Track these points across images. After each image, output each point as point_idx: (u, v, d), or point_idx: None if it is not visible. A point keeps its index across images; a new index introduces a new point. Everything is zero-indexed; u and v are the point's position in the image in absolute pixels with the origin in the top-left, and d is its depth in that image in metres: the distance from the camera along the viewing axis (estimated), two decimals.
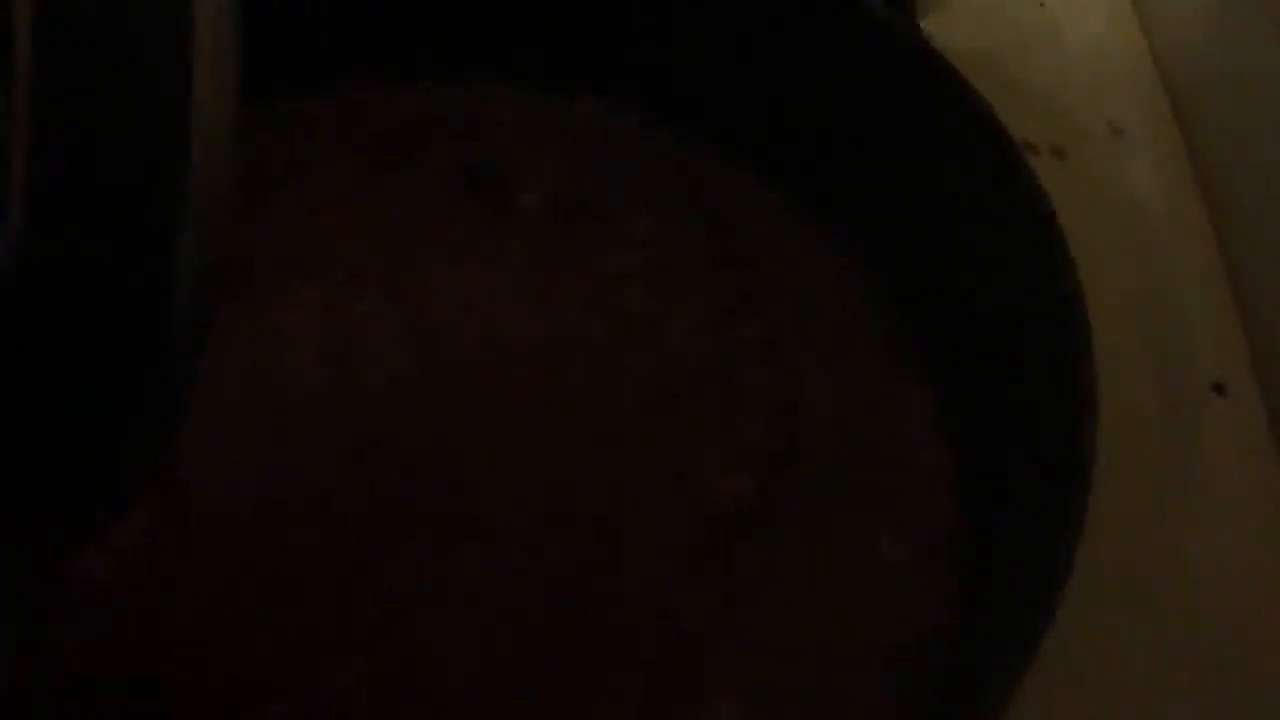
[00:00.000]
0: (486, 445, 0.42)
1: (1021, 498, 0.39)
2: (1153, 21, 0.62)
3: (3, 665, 0.38)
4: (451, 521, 0.41)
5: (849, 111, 0.46)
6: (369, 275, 0.46)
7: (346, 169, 0.48)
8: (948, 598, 0.40)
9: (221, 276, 0.25)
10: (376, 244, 0.46)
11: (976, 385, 0.43)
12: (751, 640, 0.39)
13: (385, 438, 0.42)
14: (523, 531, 0.41)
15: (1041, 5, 0.61)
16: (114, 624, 0.39)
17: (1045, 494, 0.36)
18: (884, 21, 0.45)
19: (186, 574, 0.40)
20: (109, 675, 0.38)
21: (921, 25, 0.52)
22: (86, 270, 0.24)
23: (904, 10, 0.55)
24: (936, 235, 0.44)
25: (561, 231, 0.47)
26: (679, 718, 0.38)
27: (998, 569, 0.39)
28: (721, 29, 0.48)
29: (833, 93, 0.46)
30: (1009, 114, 0.43)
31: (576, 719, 0.38)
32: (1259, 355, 0.52)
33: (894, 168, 0.45)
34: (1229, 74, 0.57)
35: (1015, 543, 0.38)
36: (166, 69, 0.24)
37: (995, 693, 0.32)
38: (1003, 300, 0.42)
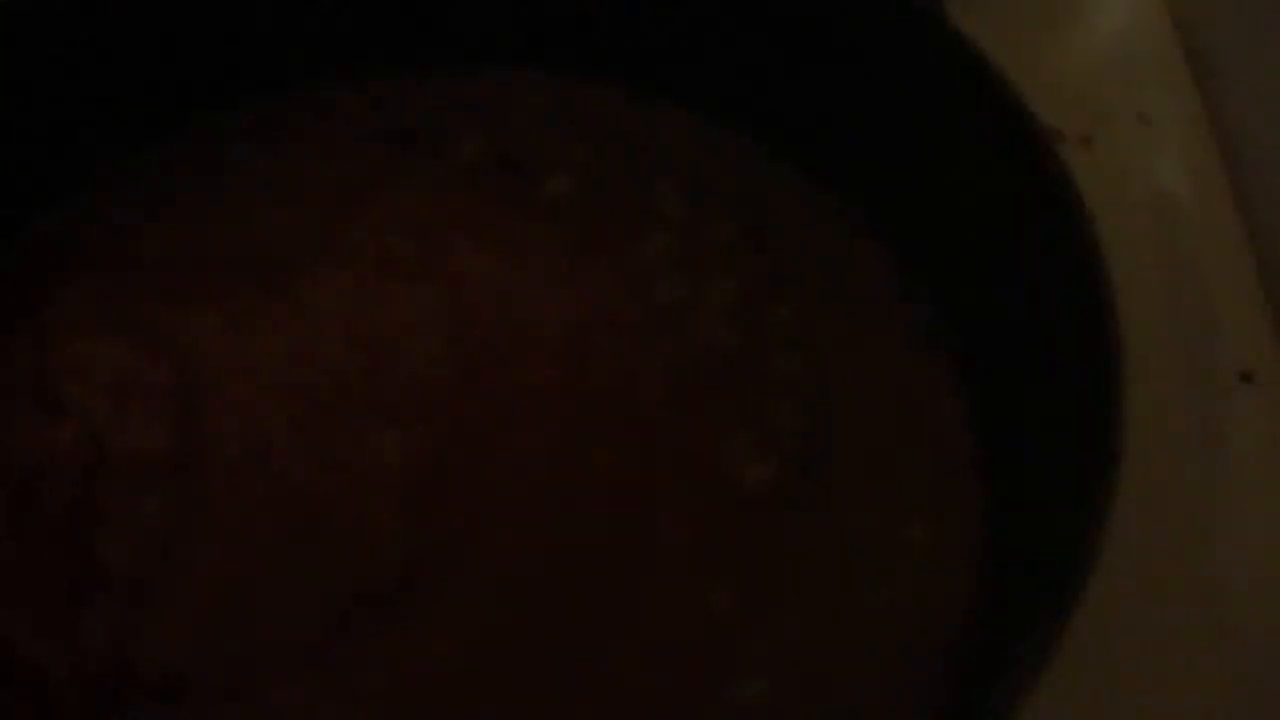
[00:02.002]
0: (514, 429, 0.42)
1: (1048, 484, 0.39)
2: (1181, 8, 0.62)
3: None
4: (478, 505, 0.41)
5: (877, 98, 0.46)
6: (398, 261, 0.46)
7: (376, 156, 0.48)
8: (974, 582, 0.40)
9: None
10: (406, 230, 0.46)
11: (1004, 371, 0.43)
12: (778, 623, 0.40)
13: (413, 422, 0.42)
14: (551, 514, 0.41)
15: None
16: (142, 605, 0.39)
17: (1072, 481, 0.36)
18: (912, 9, 0.45)
19: (214, 555, 0.40)
20: (138, 656, 0.38)
21: (950, 13, 0.52)
22: None
23: None
24: (963, 221, 0.44)
25: (590, 217, 0.47)
26: (705, 699, 0.38)
27: (1024, 554, 0.39)
28: (750, 17, 0.48)
29: (861, 80, 0.46)
30: (1036, 102, 0.43)
31: (604, 699, 0.38)
32: None
33: (921, 154, 0.45)
34: (1258, 62, 0.57)
35: (1041, 529, 0.38)
36: None
37: (1019, 678, 0.32)
38: (1030, 287, 0.42)
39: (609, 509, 0.41)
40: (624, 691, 0.38)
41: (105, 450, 0.42)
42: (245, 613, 0.39)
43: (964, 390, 0.44)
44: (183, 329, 0.44)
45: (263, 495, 0.41)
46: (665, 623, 0.39)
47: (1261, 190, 0.56)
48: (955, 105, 0.44)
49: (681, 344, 0.45)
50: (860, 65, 0.46)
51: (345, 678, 0.38)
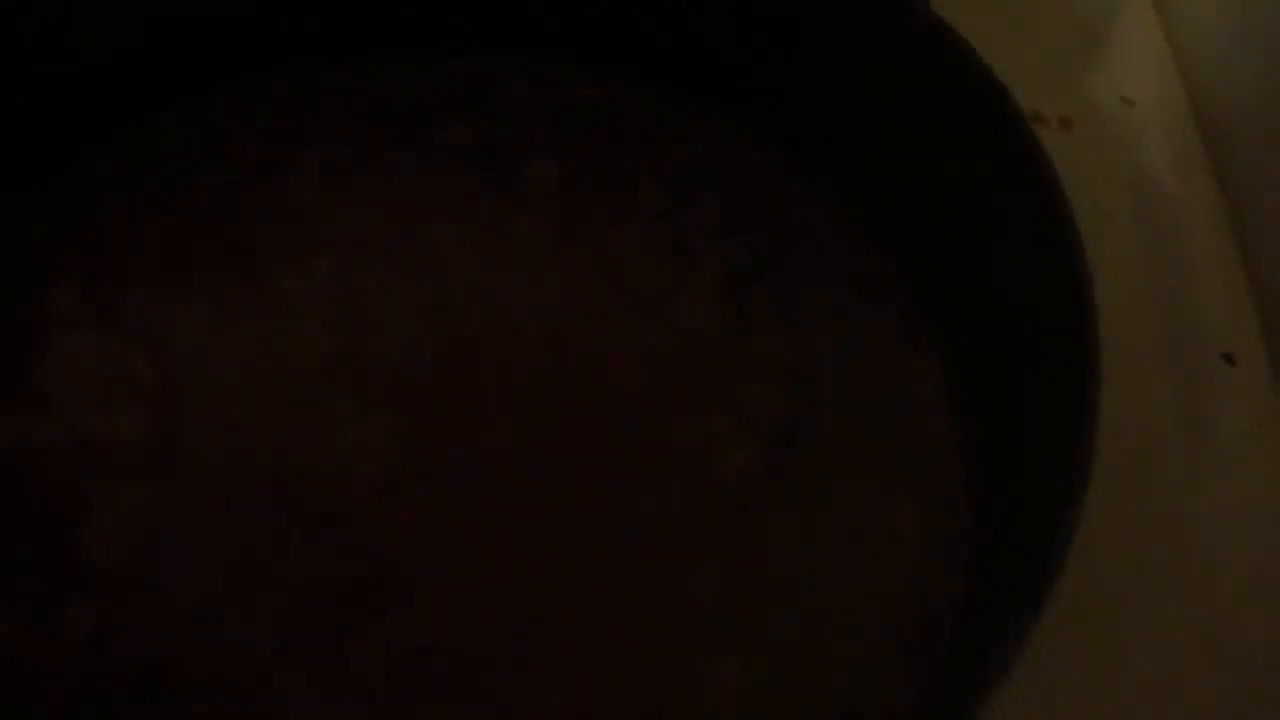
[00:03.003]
0: (495, 416, 0.42)
1: (1028, 465, 0.39)
2: None
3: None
4: (459, 492, 0.41)
5: (858, 82, 0.46)
6: (379, 248, 0.46)
7: (358, 143, 0.48)
8: (954, 564, 0.41)
9: None
10: (387, 217, 0.46)
11: (984, 353, 0.43)
12: (759, 606, 0.40)
13: (393, 409, 0.42)
14: (532, 499, 0.41)
15: None
16: (126, 597, 0.39)
17: (1050, 461, 0.36)
18: None
19: (196, 546, 0.40)
20: (122, 648, 0.38)
21: None
22: None
23: None
24: (944, 204, 0.44)
25: (572, 204, 0.47)
26: (686, 682, 0.38)
27: (1004, 536, 0.39)
28: (729, 2, 0.48)
29: (841, 63, 0.46)
30: (1018, 84, 0.43)
31: (584, 681, 0.38)
32: (1269, 325, 0.52)
33: (902, 138, 0.45)
34: (1239, 44, 0.57)
35: (1021, 510, 0.38)
36: None
37: (998, 660, 0.32)
38: (1010, 270, 0.42)
39: (590, 494, 0.41)
40: (604, 675, 0.38)
41: (88, 443, 0.41)
42: (228, 602, 0.39)
43: (945, 372, 0.44)
44: (164, 320, 0.44)
45: (244, 485, 0.41)
46: (646, 607, 0.40)
47: (1243, 172, 0.56)
48: (935, 88, 0.44)
49: (662, 329, 0.45)
50: (841, 49, 0.46)
51: (328, 666, 0.38)
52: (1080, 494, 0.34)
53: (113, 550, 0.40)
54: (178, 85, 0.48)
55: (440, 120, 0.49)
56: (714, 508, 0.41)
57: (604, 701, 0.38)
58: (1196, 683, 0.44)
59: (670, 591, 0.40)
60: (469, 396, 0.43)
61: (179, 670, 0.38)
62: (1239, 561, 0.47)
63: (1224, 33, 0.58)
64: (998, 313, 0.43)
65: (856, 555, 0.41)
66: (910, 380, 0.44)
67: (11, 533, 0.40)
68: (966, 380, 0.44)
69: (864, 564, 0.41)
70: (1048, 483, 0.36)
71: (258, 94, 0.49)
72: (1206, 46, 0.59)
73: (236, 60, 0.48)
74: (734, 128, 0.49)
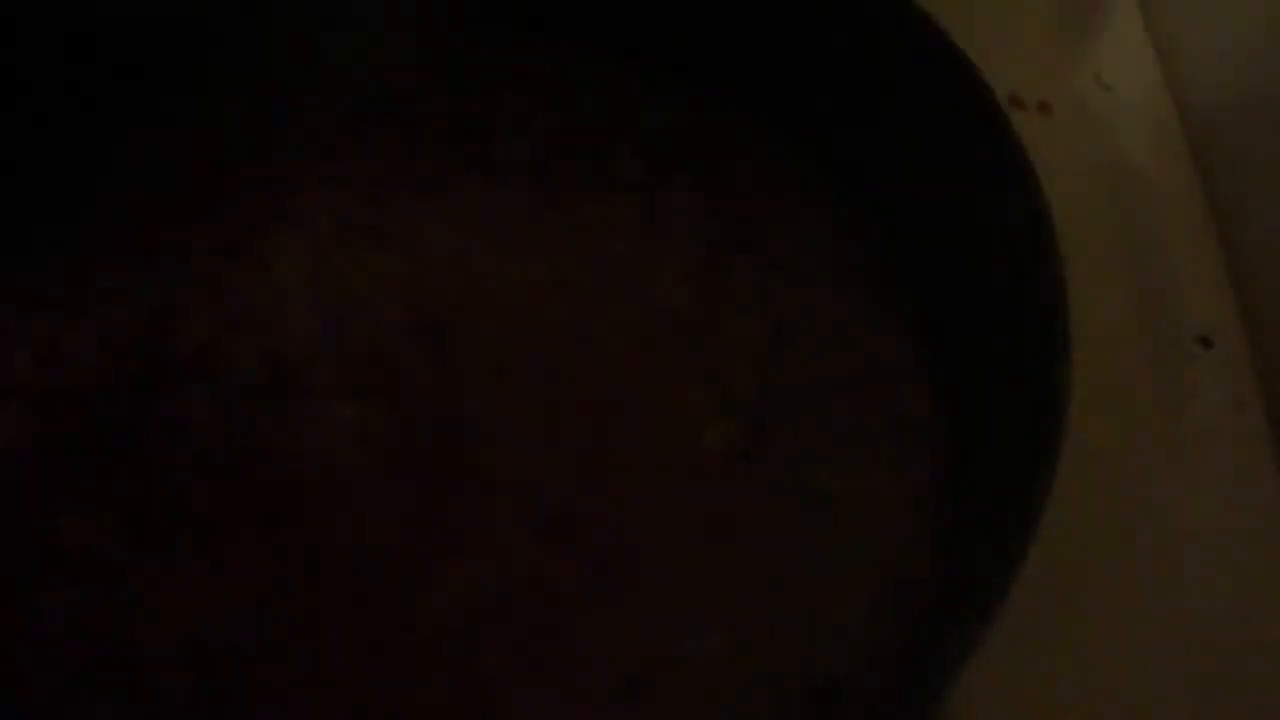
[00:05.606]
0: (475, 392, 0.42)
1: (1000, 438, 0.39)
2: None
3: None
4: (442, 468, 0.41)
5: (834, 62, 0.46)
6: (356, 225, 0.46)
7: (333, 119, 0.48)
8: (928, 534, 0.41)
9: None
10: (364, 194, 0.46)
11: (958, 329, 0.43)
12: (738, 577, 0.40)
13: (372, 386, 0.42)
14: (514, 475, 0.41)
15: None
16: (102, 581, 0.39)
17: (1023, 433, 0.36)
18: None
19: (177, 532, 0.40)
20: (98, 632, 0.38)
21: None
22: None
23: None
24: (920, 186, 0.45)
25: (548, 179, 0.47)
26: (666, 652, 0.39)
27: (978, 510, 0.39)
28: None
29: (819, 44, 0.46)
30: (996, 69, 0.43)
31: (567, 653, 0.38)
32: (1246, 308, 0.53)
33: (878, 118, 0.46)
34: (1217, 28, 0.58)
35: (994, 482, 0.38)
36: None
37: (973, 630, 0.33)
38: (984, 249, 0.42)
39: (570, 468, 0.41)
40: (588, 646, 0.39)
41: (63, 425, 0.41)
42: (209, 591, 0.39)
43: (921, 349, 0.44)
44: None
45: (225, 468, 0.41)
46: (627, 577, 0.40)
47: (1220, 156, 0.56)
48: (912, 71, 0.44)
49: (639, 306, 0.45)
50: (818, 30, 0.46)
51: (312, 653, 0.38)
52: (1051, 465, 0.35)
53: (91, 537, 0.39)
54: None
55: (418, 95, 0.49)
56: (692, 479, 0.41)
57: (588, 671, 0.38)
58: (1167, 662, 0.44)
59: (650, 562, 0.40)
60: (448, 373, 0.43)
61: (160, 660, 0.38)
62: (1214, 544, 0.47)
63: (1202, 17, 0.59)
64: (972, 290, 0.43)
65: (833, 525, 0.41)
66: (885, 354, 0.44)
67: None
68: (941, 355, 0.44)
69: (840, 534, 0.41)
70: (1020, 455, 0.36)
71: (238, 66, 0.49)
72: (1185, 31, 0.59)
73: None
74: (713, 103, 0.49)
